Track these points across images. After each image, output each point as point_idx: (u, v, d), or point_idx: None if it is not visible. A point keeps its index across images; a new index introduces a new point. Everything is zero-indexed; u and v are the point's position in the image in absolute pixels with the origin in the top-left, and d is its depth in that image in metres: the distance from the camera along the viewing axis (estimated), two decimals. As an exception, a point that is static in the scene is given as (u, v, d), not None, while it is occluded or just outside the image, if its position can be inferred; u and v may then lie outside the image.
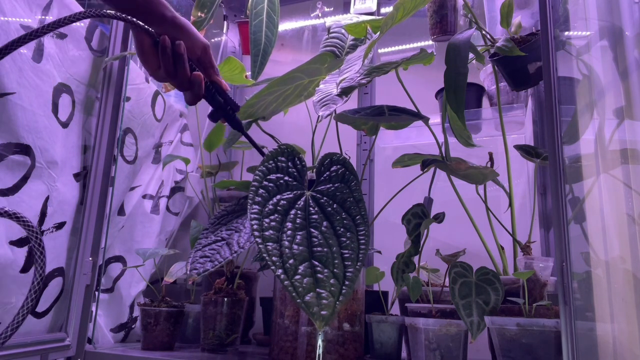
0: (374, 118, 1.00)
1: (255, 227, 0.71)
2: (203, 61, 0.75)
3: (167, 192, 1.38)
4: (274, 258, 0.68)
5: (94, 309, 1.06)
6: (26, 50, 0.90)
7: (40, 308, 0.97)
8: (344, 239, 0.73)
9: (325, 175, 0.83)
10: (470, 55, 0.99)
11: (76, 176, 1.05)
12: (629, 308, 0.61)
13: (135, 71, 1.22)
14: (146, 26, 0.68)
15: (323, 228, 0.74)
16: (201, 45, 0.74)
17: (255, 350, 1.16)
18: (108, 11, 0.64)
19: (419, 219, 1.01)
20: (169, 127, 1.40)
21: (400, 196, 1.06)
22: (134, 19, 0.66)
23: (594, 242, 0.71)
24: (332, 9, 1.70)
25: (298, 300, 0.64)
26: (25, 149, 0.90)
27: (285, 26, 1.75)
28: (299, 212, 0.76)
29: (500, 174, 1.00)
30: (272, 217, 0.74)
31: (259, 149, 0.85)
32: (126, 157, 1.19)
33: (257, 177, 0.79)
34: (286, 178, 0.81)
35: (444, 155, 1.05)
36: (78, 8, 1.04)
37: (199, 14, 1.24)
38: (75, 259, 1.04)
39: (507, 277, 0.93)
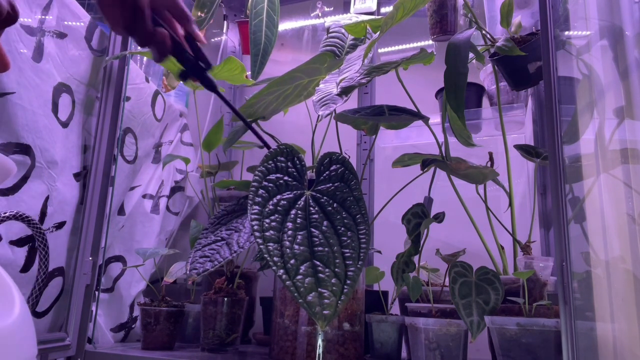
0: (374, 118, 1.01)
1: (255, 227, 0.71)
2: (172, 10, 0.67)
3: (167, 192, 1.38)
4: (275, 258, 0.68)
5: (94, 308, 1.06)
6: (26, 50, 0.90)
7: (40, 308, 0.97)
8: (345, 238, 0.73)
9: (325, 174, 0.83)
10: (470, 55, 0.99)
11: (76, 176, 1.05)
12: (629, 308, 0.61)
13: (135, 71, 1.22)
14: None
15: (324, 227, 0.74)
16: None
17: (255, 350, 1.16)
18: None
19: (419, 218, 1.02)
20: (169, 127, 1.40)
21: (400, 196, 1.06)
22: None
23: (594, 242, 0.71)
24: (332, 8, 1.70)
25: (300, 300, 0.64)
26: (25, 149, 0.90)
27: (285, 26, 1.75)
28: (299, 212, 0.76)
29: (500, 174, 1.00)
30: (272, 217, 0.74)
31: (250, 126, 0.80)
32: (126, 156, 1.19)
33: (257, 178, 0.79)
34: (286, 178, 0.81)
35: (444, 155, 1.05)
36: (78, 8, 1.04)
37: (199, 13, 1.24)
38: (75, 258, 1.04)
39: (507, 277, 0.93)
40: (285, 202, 0.77)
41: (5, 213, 0.70)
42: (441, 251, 1.02)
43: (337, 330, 0.93)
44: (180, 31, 0.68)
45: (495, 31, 1.18)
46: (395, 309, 1.06)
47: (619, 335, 0.63)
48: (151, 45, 0.65)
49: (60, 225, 1.00)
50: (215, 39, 1.77)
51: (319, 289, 0.66)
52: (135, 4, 0.61)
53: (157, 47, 0.65)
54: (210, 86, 0.75)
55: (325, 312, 0.63)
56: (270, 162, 0.82)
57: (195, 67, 0.71)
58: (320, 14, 1.71)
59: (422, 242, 1.02)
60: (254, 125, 1.12)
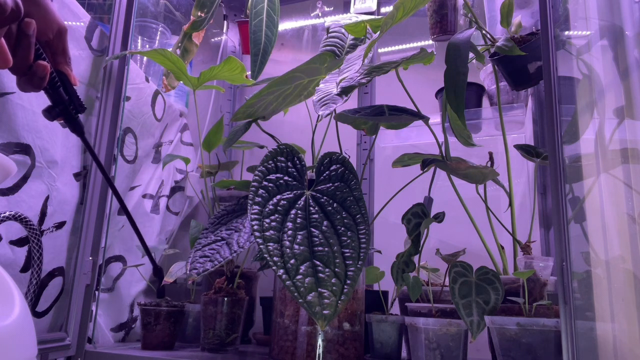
0: (374, 118, 1.00)
1: (255, 227, 0.71)
2: (54, 46, 0.64)
3: (167, 192, 1.38)
4: (275, 258, 0.68)
5: (94, 308, 1.06)
6: (26, 50, 0.89)
7: (40, 308, 0.97)
8: (345, 238, 0.73)
9: (325, 174, 0.83)
10: (470, 54, 0.99)
11: (76, 176, 1.05)
12: (629, 308, 0.61)
13: (135, 71, 1.22)
14: None
15: (324, 227, 0.74)
16: (56, 27, 0.63)
17: (256, 350, 1.16)
18: None
19: (419, 218, 1.02)
20: (169, 127, 1.40)
21: (400, 196, 1.06)
22: None
23: (594, 242, 0.71)
24: (332, 8, 1.70)
25: (300, 300, 0.64)
26: (25, 149, 0.90)
27: (285, 26, 1.75)
28: (299, 211, 0.76)
29: (501, 174, 1.00)
30: (272, 217, 0.74)
31: (99, 164, 0.77)
32: (126, 156, 1.19)
33: (257, 178, 0.79)
34: (286, 178, 0.81)
35: (444, 154, 1.05)
36: (78, 8, 1.04)
37: (199, 13, 1.24)
38: (75, 258, 1.04)
39: (507, 277, 0.93)
40: (285, 202, 0.77)
41: (4, 213, 0.70)
42: (441, 251, 1.02)
43: (337, 330, 0.93)
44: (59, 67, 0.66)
45: (495, 31, 1.18)
46: (395, 308, 1.06)
47: (619, 335, 0.63)
48: (26, 77, 0.60)
49: (60, 225, 1.00)
50: (215, 39, 1.77)
51: (319, 289, 0.66)
52: (21, 31, 0.57)
53: (33, 80, 0.60)
54: (79, 131, 0.71)
55: (325, 312, 0.63)
56: (270, 162, 0.82)
57: (66, 109, 0.68)
58: (320, 14, 1.71)
59: (422, 242, 1.02)
60: (253, 125, 1.12)
